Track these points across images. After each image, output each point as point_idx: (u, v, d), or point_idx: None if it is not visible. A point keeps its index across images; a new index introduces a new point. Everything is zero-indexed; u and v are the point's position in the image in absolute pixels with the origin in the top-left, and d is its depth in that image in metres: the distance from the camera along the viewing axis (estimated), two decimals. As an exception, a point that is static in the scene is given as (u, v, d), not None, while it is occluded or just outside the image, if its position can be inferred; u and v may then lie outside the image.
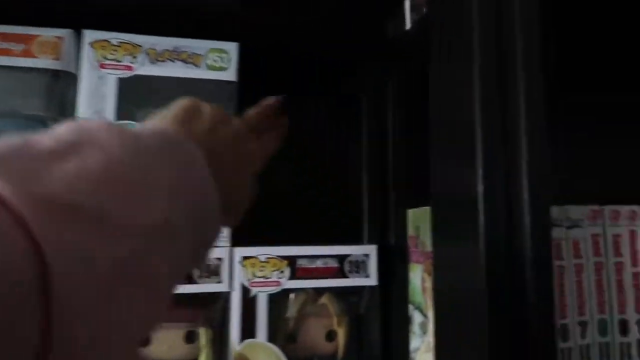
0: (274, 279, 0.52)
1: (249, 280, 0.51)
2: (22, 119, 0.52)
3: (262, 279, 0.51)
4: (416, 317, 0.56)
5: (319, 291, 0.55)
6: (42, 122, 0.52)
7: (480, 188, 0.37)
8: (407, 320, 0.57)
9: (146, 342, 0.50)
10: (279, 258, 0.52)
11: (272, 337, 0.51)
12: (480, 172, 0.38)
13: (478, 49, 0.39)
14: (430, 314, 0.52)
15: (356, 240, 0.59)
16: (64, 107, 0.52)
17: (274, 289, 0.52)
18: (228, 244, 0.51)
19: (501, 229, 0.37)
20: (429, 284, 0.53)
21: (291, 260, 0.52)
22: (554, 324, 0.36)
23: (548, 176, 0.36)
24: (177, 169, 0.24)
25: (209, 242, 0.27)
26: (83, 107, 0.50)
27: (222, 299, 0.51)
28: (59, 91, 0.52)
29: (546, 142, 0.37)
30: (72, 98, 0.51)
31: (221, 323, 0.52)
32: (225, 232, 0.51)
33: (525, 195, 0.36)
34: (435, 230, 0.44)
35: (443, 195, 0.43)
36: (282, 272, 0.52)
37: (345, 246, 0.55)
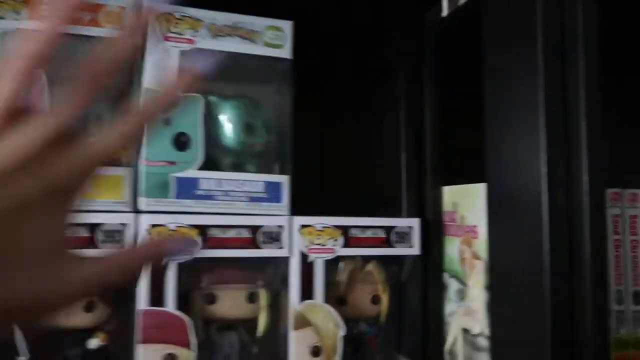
0: (329, 246, 0.56)
1: (306, 246, 0.55)
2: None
3: (318, 246, 0.55)
4: (452, 285, 0.61)
5: (365, 259, 0.60)
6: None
7: (543, 169, 0.42)
8: (443, 288, 0.62)
9: (212, 299, 0.54)
10: (334, 227, 0.56)
11: (326, 300, 0.56)
12: (543, 155, 0.42)
13: (541, 33, 0.43)
14: (471, 282, 0.57)
15: (396, 214, 0.64)
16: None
17: (329, 256, 0.56)
18: (288, 213, 0.55)
19: (561, 209, 0.42)
20: (467, 255, 0.58)
21: (344, 229, 0.56)
22: (607, 301, 0.42)
23: (605, 158, 0.41)
24: None
25: None
26: (148, 77, 0.52)
27: (282, 263, 0.55)
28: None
29: (601, 127, 0.42)
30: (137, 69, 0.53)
31: (280, 286, 0.56)
32: (285, 202, 0.55)
33: (585, 176, 0.41)
34: (492, 207, 0.49)
35: (501, 174, 0.48)
36: (336, 240, 0.56)
37: (392, 218, 0.59)
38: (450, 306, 0.61)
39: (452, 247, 0.61)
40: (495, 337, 0.50)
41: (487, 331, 0.53)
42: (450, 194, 0.63)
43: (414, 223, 0.60)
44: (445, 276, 0.63)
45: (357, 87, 0.67)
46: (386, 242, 0.58)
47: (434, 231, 0.62)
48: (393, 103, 0.65)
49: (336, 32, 0.64)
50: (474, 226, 0.57)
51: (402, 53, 0.65)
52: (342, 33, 0.65)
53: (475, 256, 0.56)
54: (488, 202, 0.50)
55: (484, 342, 0.54)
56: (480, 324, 0.55)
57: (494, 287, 0.49)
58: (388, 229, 0.58)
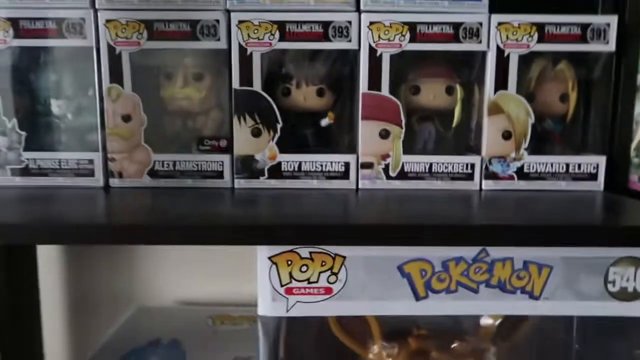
0: (524, 42, 0.61)
1: (503, 42, 0.61)
2: None
3: (514, 42, 0.61)
4: (646, 84, 0.63)
5: (557, 58, 0.64)
6: None
7: None
8: (634, 88, 0.64)
9: (416, 90, 0.64)
10: (530, 24, 0.61)
11: (518, 93, 0.62)
12: None
13: None
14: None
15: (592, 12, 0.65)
16: None
17: (523, 51, 0.61)
18: (487, 11, 0.61)
19: None
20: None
21: (540, 25, 0.61)
22: None
23: None
24: None
25: None
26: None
27: (479, 59, 0.62)
28: None
29: None
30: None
31: (474, 82, 0.64)
32: (484, 0, 0.61)
33: None
34: None
35: None
36: (531, 36, 0.61)
37: (589, 15, 0.61)
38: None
39: (650, 48, 0.62)
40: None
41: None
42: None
43: (612, 20, 0.61)
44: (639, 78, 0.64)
45: None
46: (581, 39, 0.61)
47: (631, 29, 0.63)
48: None
49: None
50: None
51: None
52: None
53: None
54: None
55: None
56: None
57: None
58: (584, 26, 0.61)
